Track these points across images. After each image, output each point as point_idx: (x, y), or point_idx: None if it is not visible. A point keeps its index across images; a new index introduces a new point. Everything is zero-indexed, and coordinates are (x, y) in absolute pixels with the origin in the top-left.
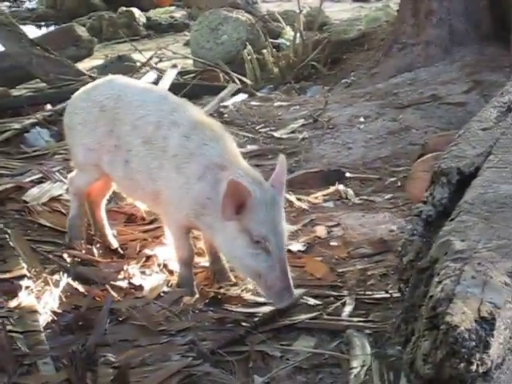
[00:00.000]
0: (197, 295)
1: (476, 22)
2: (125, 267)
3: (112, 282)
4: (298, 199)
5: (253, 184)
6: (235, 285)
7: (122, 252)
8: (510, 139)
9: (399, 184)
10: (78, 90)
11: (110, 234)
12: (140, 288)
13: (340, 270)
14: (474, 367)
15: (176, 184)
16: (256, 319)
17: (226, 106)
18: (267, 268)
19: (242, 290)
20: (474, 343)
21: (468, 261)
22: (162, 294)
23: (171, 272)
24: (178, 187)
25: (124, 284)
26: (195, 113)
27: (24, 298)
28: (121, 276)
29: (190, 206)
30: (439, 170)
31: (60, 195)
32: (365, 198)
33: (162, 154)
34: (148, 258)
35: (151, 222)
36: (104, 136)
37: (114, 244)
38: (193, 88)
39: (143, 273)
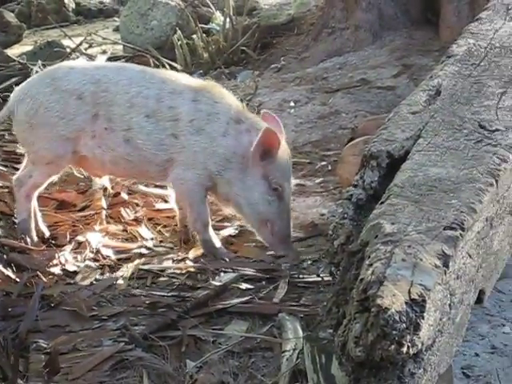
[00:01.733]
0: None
1: (405, 7)
2: (57, 254)
3: (44, 269)
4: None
5: None
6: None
7: (52, 242)
8: (439, 122)
9: (330, 168)
10: (7, 76)
11: (41, 222)
12: (72, 274)
13: (271, 253)
14: (404, 349)
15: (199, 146)
16: (188, 304)
17: None
18: (277, 215)
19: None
20: (404, 325)
21: (398, 243)
22: (94, 282)
23: (104, 257)
24: (202, 148)
25: (56, 270)
26: (184, 78)
27: None
28: (53, 263)
29: (215, 164)
30: (369, 153)
31: None
32: (295, 182)
33: (174, 123)
34: (80, 244)
35: (83, 209)
36: (86, 122)
37: (46, 233)
38: None
39: (76, 259)
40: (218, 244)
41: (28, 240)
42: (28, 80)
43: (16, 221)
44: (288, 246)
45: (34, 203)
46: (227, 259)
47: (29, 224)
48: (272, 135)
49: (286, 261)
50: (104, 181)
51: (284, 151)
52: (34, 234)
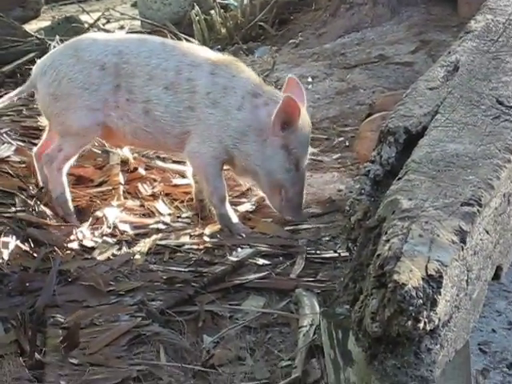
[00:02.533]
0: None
1: None
2: (75, 230)
3: (62, 244)
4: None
5: None
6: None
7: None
8: (457, 98)
9: (347, 144)
10: (25, 51)
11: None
12: (90, 250)
13: (289, 228)
14: (421, 325)
15: (214, 119)
16: (205, 279)
17: None
18: (293, 183)
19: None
20: (421, 301)
21: (415, 219)
22: (111, 257)
23: (122, 233)
24: (217, 121)
25: (74, 246)
26: (204, 51)
27: None
28: (71, 238)
29: (230, 137)
30: (386, 129)
31: (8, 157)
32: (313, 157)
33: (191, 96)
34: (97, 219)
35: (100, 184)
36: (109, 93)
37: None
38: None
39: (93, 234)
40: (234, 219)
41: (66, 215)
42: (50, 52)
43: (53, 196)
44: (299, 213)
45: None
46: (243, 235)
47: (65, 197)
48: (293, 104)
49: (302, 236)
50: (126, 151)
51: (304, 120)
52: (71, 207)
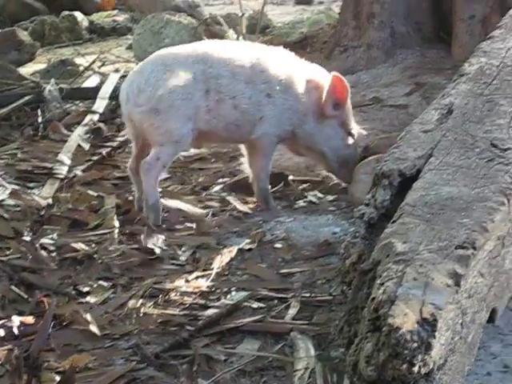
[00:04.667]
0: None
1: (417, 25)
2: (69, 274)
3: (56, 288)
4: (242, 202)
5: None
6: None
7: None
8: (451, 141)
9: (342, 186)
10: (20, 95)
11: None
12: (85, 294)
13: (284, 271)
14: (416, 368)
15: (286, 104)
16: (200, 322)
17: None
18: (354, 155)
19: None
20: (416, 344)
21: (410, 263)
22: (106, 300)
23: (116, 276)
24: (288, 106)
25: (69, 290)
26: (266, 47)
27: None
28: (65, 282)
29: (297, 119)
30: (381, 172)
31: (3, 200)
32: (308, 200)
33: (267, 85)
34: (93, 262)
35: (95, 228)
36: (201, 99)
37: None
38: None
39: (88, 278)
40: (271, 196)
41: (154, 224)
42: (133, 74)
43: (148, 203)
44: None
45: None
46: (275, 211)
47: (159, 206)
48: (342, 83)
49: (297, 279)
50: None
51: (350, 98)
52: (160, 219)
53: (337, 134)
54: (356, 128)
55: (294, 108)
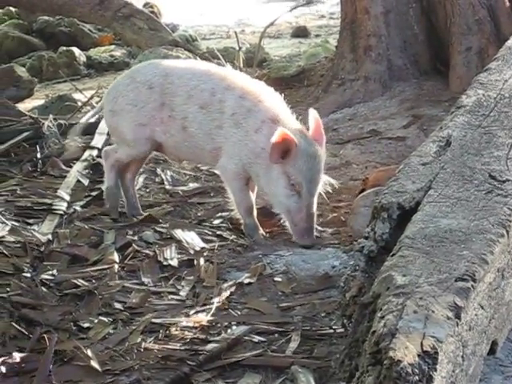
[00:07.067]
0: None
1: (414, 57)
2: (70, 309)
3: (57, 325)
4: (241, 235)
5: (298, 136)
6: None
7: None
8: (450, 173)
9: (341, 219)
10: (19, 131)
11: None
12: (85, 330)
13: (284, 305)
14: None
15: (236, 138)
16: (201, 357)
17: None
18: (296, 208)
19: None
20: (417, 377)
21: (410, 295)
22: (106, 336)
23: (117, 312)
24: (237, 141)
25: (69, 326)
26: (244, 77)
27: None
28: (66, 318)
29: (247, 156)
30: (380, 205)
31: (2, 237)
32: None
33: (220, 115)
34: (93, 298)
35: (95, 263)
36: (155, 110)
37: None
38: None
39: (89, 314)
40: (258, 230)
41: (110, 208)
42: None
43: (103, 187)
44: (308, 237)
45: (132, 185)
46: (259, 244)
47: (114, 192)
48: (285, 136)
49: (297, 313)
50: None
51: (305, 151)
52: (117, 202)
53: (278, 179)
54: (308, 185)
55: (242, 144)
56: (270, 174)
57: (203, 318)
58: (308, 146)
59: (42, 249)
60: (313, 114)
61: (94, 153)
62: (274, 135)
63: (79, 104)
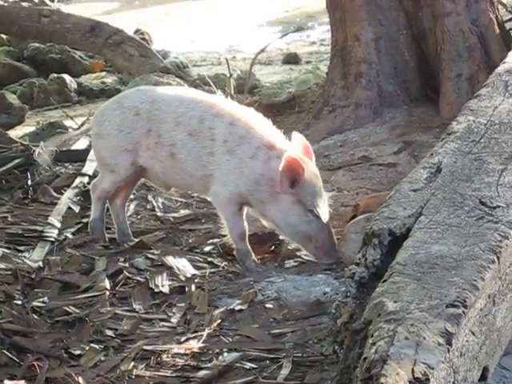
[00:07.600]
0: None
1: (405, 84)
2: (61, 337)
3: (48, 352)
4: (232, 262)
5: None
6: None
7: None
8: (440, 200)
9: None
10: (10, 158)
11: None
12: (77, 357)
13: (275, 331)
14: None
15: (230, 165)
16: None
17: None
18: (318, 231)
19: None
20: None
21: (401, 322)
22: (98, 363)
23: (108, 339)
24: (232, 168)
25: (60, 353)
26: (232, 104)
27: None
28: (57, 345)
29: (244, 184)
30: (371, 231)
31: None
32: (298, 259)
33: (212, 143)
34: (84, 326)
35: (86, 290)
36: (141, 136)
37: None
38: None
39: (80, 341)
40: (250, 256)
41: (95, 239)
42: None
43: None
44: (333, 254)
45: (122, 211)
46: (251, 271)
47: (98, 225)
48: (295, 163)
49: (288, 339)
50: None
51: (310, 172)
52: (102, 234)
53: (292, 210)
54: (320, 205)
55: (237, 172)
56: (279, 204)
57: (194, 345)
58: (310, 166)
59: (33, 276)
60: (296, 136)
61: (85, 180)
62: (282, 162)
63: (70, 131)
